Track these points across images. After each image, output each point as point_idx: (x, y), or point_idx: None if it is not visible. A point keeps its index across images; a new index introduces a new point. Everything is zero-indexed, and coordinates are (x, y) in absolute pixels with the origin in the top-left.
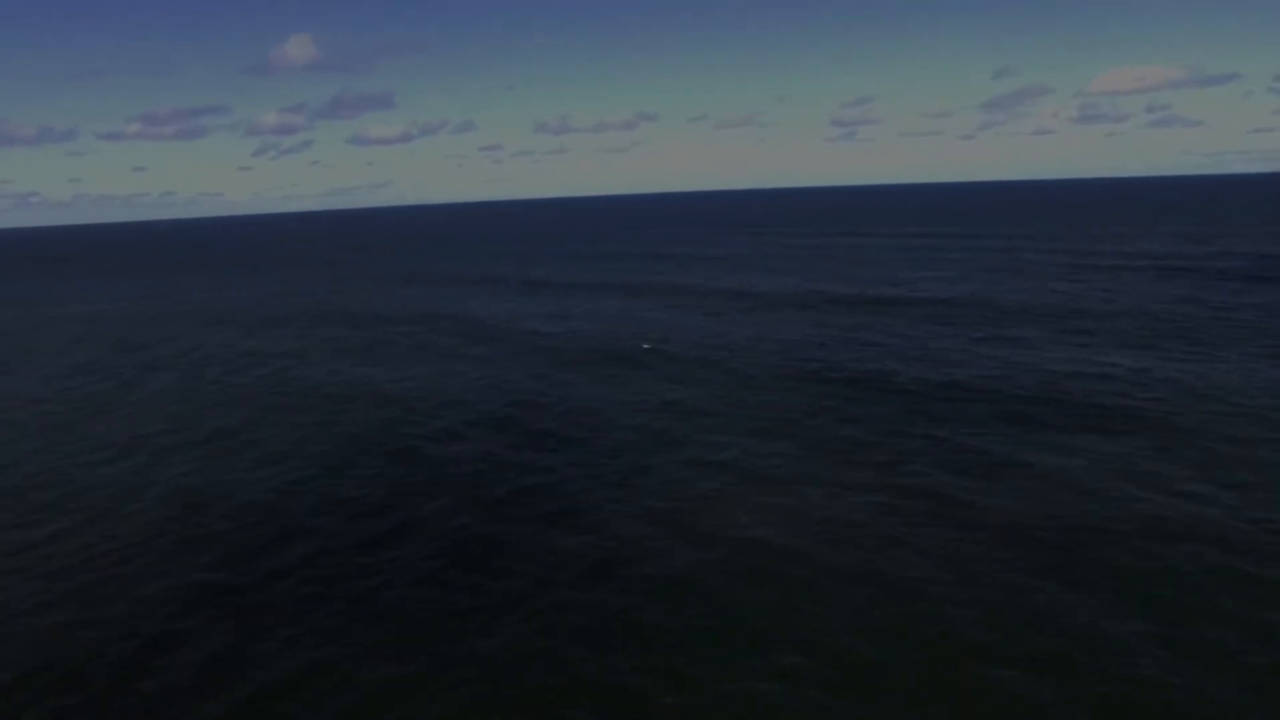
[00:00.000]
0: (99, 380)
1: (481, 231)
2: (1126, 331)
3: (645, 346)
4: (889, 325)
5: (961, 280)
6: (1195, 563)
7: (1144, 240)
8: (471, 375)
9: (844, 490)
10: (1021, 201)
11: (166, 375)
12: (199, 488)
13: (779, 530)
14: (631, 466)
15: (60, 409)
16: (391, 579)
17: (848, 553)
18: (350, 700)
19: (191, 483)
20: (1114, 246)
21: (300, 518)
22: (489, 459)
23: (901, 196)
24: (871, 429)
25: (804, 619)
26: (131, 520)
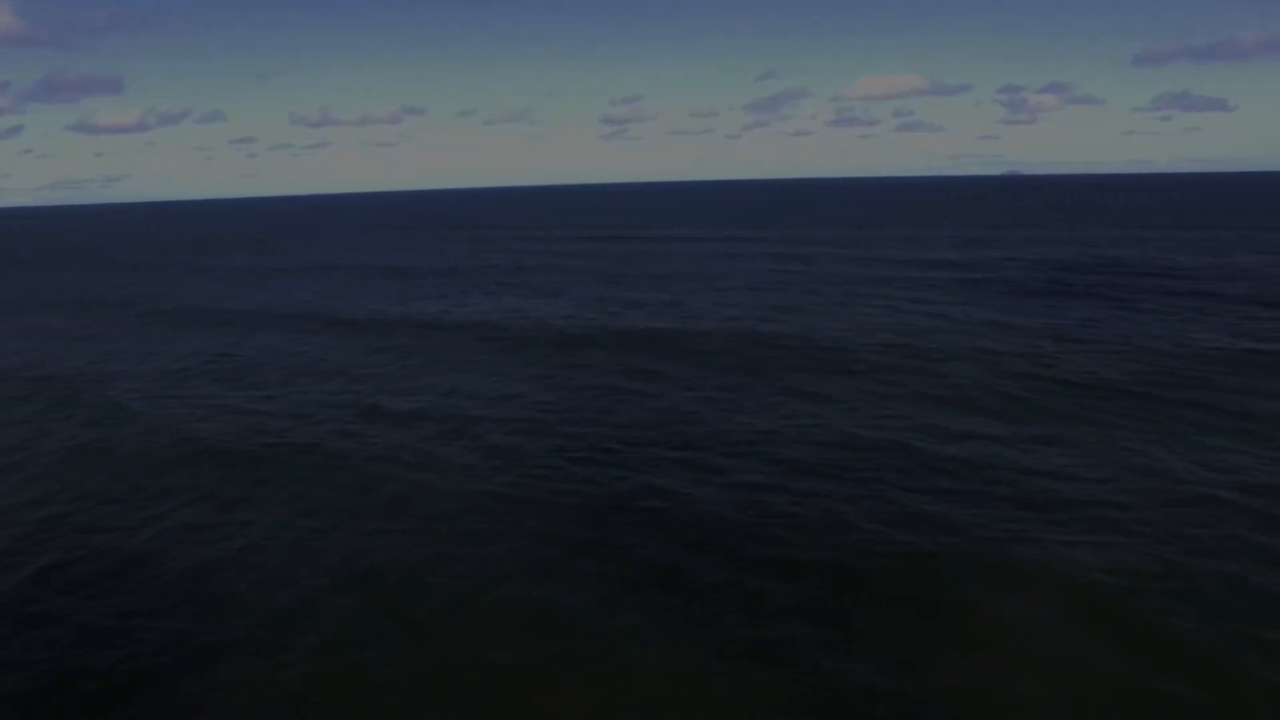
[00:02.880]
0: None
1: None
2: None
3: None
4: (679, 373)
5: (773, 306)
6: None
7: (940, 243)
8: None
9: None
10: (790, 200)
11: None
12: None
13: None
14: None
15: None
16: None
17: None
18: None
19: None
20: (920, 253)
21: None
22: None
23: (674, 194)
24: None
25: None
26: None
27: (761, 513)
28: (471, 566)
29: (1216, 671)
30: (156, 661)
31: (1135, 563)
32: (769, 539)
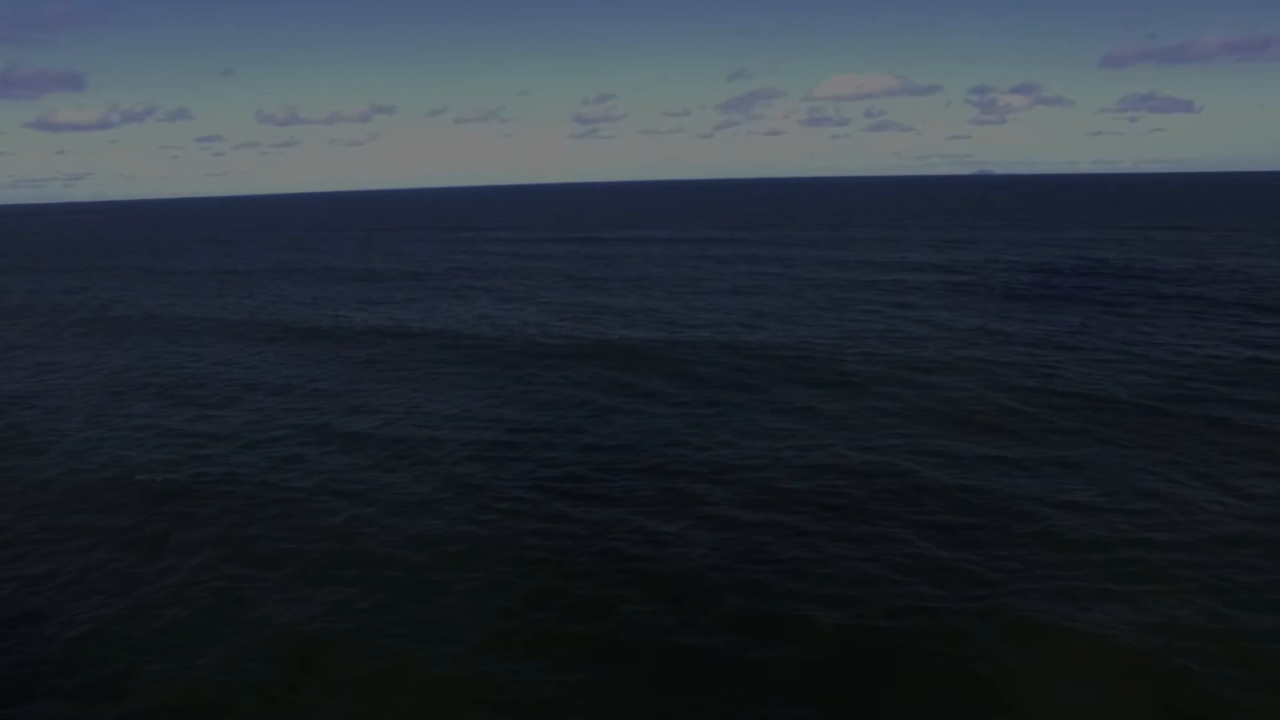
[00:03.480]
0: None
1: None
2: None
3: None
4: (659, 388)
5: (755, 311)
6: None
7: (922, 246)
8: None
9: None
10: (764, 200)
11: None
12: None
13: None
14: None
15: None
16: None
17: None
18: None
19: None
20: (900, 255)
21: None
22: None
23: (647, 193)
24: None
25: None
26: None
27: (757, 558)
28: (419, 627)
29: None
30: None
31: (1178, 616)
32: (767, 592)
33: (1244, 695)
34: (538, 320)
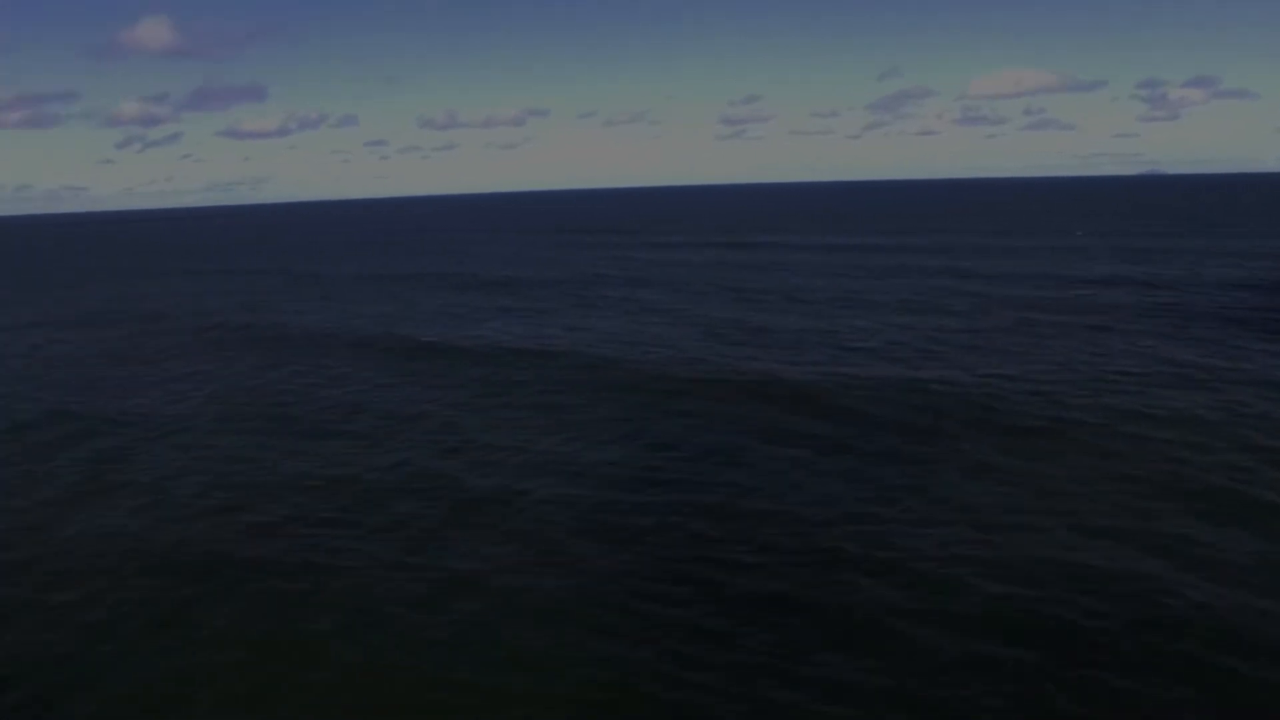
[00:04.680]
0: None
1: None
2: None
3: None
4: (825, 435)
5: (935, 336)
6: None
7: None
8: None
9: None
10: (921, 202)
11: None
12: None
13: None
14: None
15: None
16: None
17: None
18: None
19: None
20: (1086, 267)
21: None
22: None
23: (797, 195)
24: None
25: None
26: None
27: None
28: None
29: None
30: None
31: None
32: None
33: None
34: (683, 340)
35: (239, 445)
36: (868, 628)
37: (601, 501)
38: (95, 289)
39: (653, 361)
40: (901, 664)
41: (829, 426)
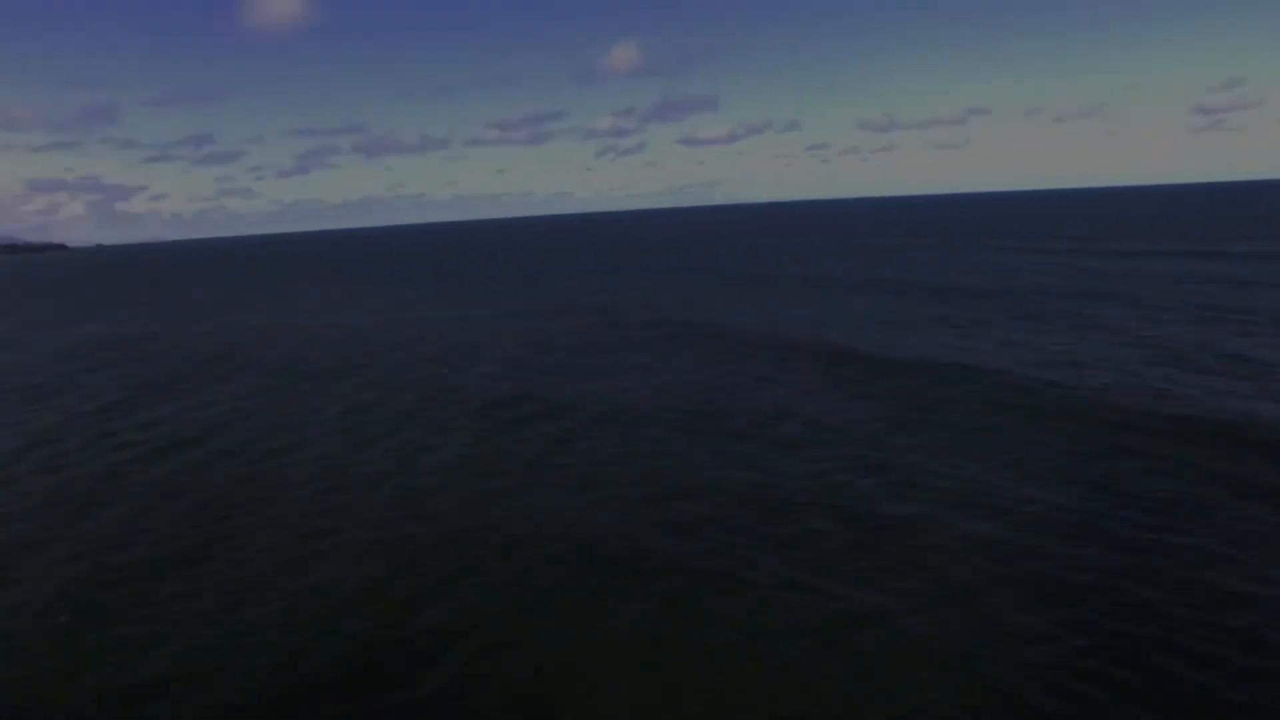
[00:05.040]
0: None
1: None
2: None
3: None
4: None
5: None
6: None
7: None
8: None
9: None
10: None
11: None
12: None
13: None
14: None
15: None
16: None
17: None
18: None
19: None
20: None
21: None
22: None
23: None
24: None
25: None
26: None
27: None
28: None
29: None
30: None
31: None
32: None
33: None
34: (1139, 365)
35: (671, 440)
36: None
37: (1030, 547)
38: (564, 283)
39: (1101, 388)
40: None
41: None
